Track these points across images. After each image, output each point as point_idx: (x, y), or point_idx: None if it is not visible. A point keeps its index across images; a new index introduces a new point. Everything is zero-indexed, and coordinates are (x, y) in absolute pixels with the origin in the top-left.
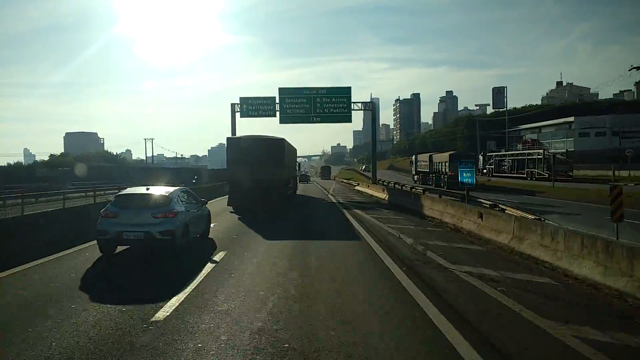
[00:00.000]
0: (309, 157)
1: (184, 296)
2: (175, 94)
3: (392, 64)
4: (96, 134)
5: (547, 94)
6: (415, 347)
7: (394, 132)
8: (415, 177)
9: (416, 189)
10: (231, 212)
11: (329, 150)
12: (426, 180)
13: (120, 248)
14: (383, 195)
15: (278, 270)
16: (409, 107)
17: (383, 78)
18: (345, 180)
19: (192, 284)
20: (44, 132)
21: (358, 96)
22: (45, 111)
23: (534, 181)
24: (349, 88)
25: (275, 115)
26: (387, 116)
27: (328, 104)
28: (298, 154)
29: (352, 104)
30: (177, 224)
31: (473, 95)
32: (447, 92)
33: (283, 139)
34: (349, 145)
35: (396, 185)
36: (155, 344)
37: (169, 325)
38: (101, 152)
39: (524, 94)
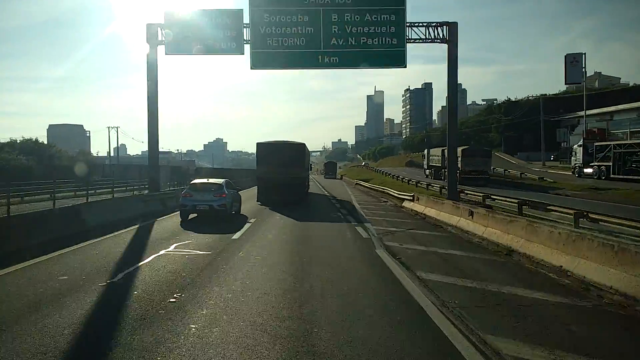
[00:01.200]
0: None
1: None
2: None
3: None
4: (82, 126)
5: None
6: None
7: (403, 126)
8: (427, 171)
9: None
10: (256, 201)
11: (329, 146)
12: (438, 175)
13: (191, 216)
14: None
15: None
16: (420, 97)
17: (384, 74)
18: (364, 184)
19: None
20: (42, 127)
21: (358, 92)
22: (44, 106)
23: None
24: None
25: (242, 52)
26: (391, 111)
27: (357, 27)
28: None
29: (407, 29)
30: (227, 200)
31: (475, 92)
32: None
33: (304, 144)
34: (351, 141)
35: None
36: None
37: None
38: (27, 142)
39: (525, 91)
